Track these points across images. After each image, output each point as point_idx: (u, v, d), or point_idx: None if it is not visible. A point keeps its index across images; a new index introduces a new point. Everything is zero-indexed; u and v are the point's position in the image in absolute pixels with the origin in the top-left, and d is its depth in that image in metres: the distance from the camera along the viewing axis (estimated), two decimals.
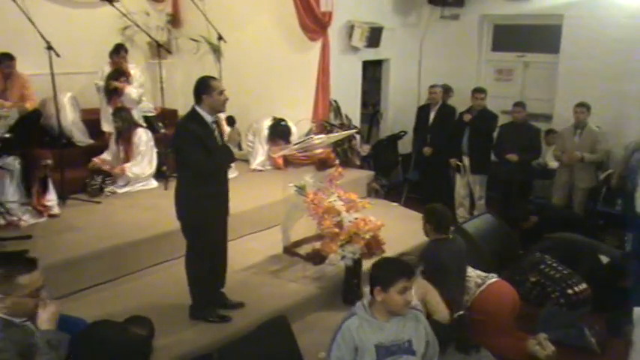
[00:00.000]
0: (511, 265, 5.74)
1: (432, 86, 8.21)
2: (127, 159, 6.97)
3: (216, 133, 4.50)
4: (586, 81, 8.10)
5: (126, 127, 6.94)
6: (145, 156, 7.02)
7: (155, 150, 7.16)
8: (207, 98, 4.34)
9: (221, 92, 4.38)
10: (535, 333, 5.03)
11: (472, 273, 5.11)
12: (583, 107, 7.22)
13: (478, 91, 7.76)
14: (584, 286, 5.26)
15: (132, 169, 6.94)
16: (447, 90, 8.45)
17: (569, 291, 5.22)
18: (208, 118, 4.39)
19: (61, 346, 2.90)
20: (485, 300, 4.98)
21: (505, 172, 7.62)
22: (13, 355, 2.74)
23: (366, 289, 3.75)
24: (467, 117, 7.69)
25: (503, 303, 5.01)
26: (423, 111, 8.36)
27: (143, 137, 6.98)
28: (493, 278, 5.12)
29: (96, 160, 6.92)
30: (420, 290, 4.34)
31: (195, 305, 4.70)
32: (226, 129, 7.52)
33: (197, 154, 4.28)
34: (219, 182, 4.62)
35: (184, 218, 4.57)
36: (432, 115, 8.14)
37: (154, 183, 7.21)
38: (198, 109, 4.36)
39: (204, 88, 4.35)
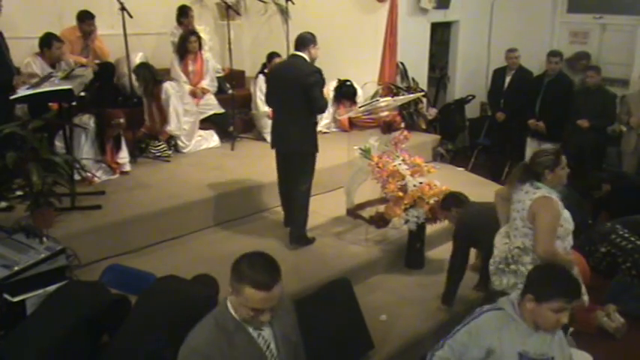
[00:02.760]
0: (581, 235, 5.60)
1: (510, 49, 7.94)
2: (163, 119, 6.82)
3: None
4: None
5: (150, 84, 6.72)
6: (176, 111, 6.80)
7: (190, 101, 7.08)
8: (313, 48, 5.08)
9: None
10: (604, 304, 4.93)
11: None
12: None
13: (553, 55, 7.48)
14: None
15: (171, 128, 6.82)
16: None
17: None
18: None
19: None
20: None
21: (577, 139, 7.36)
22: None
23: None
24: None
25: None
26: (498, 74, 8.15)
27: (169, 91, 6.75)
28: None
29: (143, 130, 6.88)
30: None
31: (303, 230, 5.37)
32: None
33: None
34: None
35: (309, 150, 5.22)
36: (507, 80, 7.93)
37: (215, 139, 7.27)
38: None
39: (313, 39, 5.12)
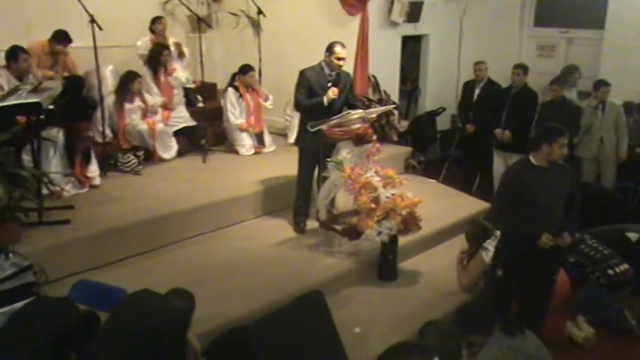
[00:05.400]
0: None
1: (477, 62, 8.06)
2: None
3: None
4: (631, 57, 7.86)
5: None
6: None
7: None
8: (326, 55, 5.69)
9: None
10: (573, 315, 4.98)
11: None
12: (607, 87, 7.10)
13: (517, 67, 7.61)
14: (625, 266, 5.17)
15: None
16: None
17: (610, 271, 5.15)
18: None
19: None
20: None
21: None
22: None
23: None
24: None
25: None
26: (467, 87, 8.25)
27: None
28: None
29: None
30: None
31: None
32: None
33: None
34: None
35: (299, 144, 5.98)
36: (476, 92, 8.03)
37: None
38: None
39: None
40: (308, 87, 5.69)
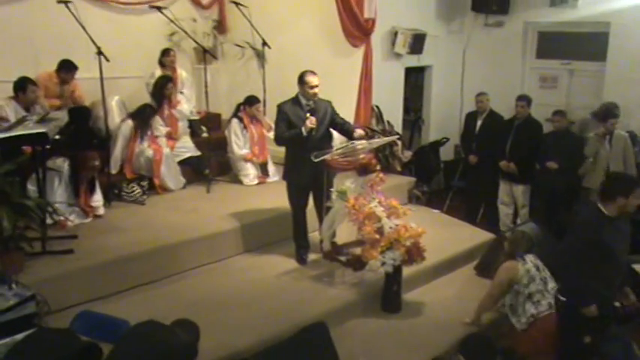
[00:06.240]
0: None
1: (479, 94, 8.10)
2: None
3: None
4: (633, 89, 7.90)
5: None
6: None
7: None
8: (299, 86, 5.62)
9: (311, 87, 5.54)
10: None
11: (552, 291, 4.90)
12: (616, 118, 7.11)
13: (520, 99, 7.63)
14: (632, 299, 5.12)
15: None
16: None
17: (617, 304, 5.09)
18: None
19: None
20: (550, 323, 4.76)
21: (548, 181, 7.46)
22: None
23: None
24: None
25: None
26: (470, 118, 8.29)
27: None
28: None
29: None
30: None
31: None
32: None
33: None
34: None
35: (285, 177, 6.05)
36: (479, 123, 8.06)
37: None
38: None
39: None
40: (287, 120, 5.64)
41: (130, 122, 7.02)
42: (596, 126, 7.61)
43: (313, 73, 5.61)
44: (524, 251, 5.08)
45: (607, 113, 7.23)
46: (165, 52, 7.96)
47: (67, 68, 6.96)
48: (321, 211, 5.72)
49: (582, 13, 8.44)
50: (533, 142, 7.53)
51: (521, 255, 5.05)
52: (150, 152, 6.95)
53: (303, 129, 5.53)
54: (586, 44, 8.79)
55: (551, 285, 4.91)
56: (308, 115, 5.56)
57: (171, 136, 7.35)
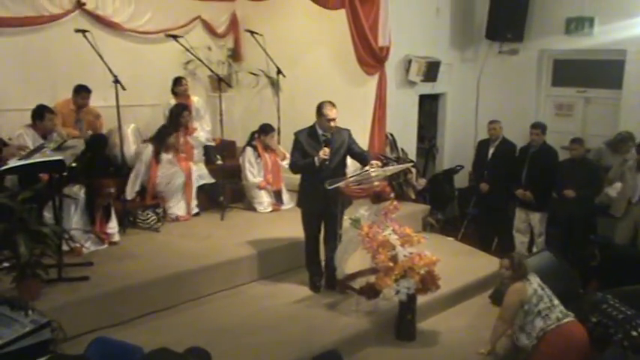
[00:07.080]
0: (571, 304, 5.56)
1: (491, 121, 8.09)
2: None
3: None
4: None
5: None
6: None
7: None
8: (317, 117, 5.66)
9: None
10: None
11: (558, 306, 5.08)
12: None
13: (534, 127, 7.62)
14: None
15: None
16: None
17: (634, 333, 5.01)
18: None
19: None
20: (558, 335, 4.91)
21: (565, 209, 7.41)
22: None
23: None
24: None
25: (573, 345, 4.92)
26: (482, 146, 8.27)
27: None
28: (570, 317, 5.05)
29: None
30: None
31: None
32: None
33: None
34: None
35: (299, 204, 6.04)
36: (490, 151, 8.04)
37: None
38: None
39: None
40: (301, 149, 5.70)
41: (149, 147, 7.04)
42: (611, 155, 7.59)
43: (332, 104, 5.61)
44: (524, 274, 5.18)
45: (621, 143, 7.21)
46: (177, 82, 8.00)
47: (78, 90, 7.05)
48: (332, 238, 5.70)
49: (598, 40, 8.47)
50: (549, 170, 7.50)
51: (524, 276, 5.12)
52: (181, 179, 7.02)
53: (315, 159, 5.56)
54: (602, 72, 8.80)
55: (557, 301, 5.08)
56: (323, 145, 5.59)
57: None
